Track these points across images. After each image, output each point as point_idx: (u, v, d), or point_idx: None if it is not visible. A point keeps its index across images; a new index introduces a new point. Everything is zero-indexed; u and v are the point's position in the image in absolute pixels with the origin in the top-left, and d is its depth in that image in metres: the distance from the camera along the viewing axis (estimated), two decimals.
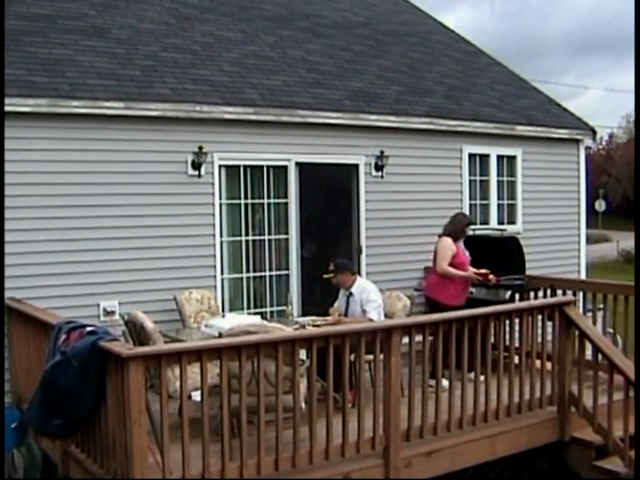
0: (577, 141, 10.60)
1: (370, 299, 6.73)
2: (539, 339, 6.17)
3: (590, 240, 20.88)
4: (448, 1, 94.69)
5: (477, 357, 5.58)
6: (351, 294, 6.85)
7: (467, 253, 7.62)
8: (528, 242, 9.09)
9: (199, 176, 7.59)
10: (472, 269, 7.43)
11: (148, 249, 7.32)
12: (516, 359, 5.91)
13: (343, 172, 8.68)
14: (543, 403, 6.00)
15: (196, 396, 5.22)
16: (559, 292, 7.78)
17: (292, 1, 11.56)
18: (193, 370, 4.70)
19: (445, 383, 5.57)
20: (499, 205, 9.99)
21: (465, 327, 5.45)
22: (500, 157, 9.94)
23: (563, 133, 10.41)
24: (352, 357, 5.28)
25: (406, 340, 5.18)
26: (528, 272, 8.45)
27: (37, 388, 4.75)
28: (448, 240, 7.35)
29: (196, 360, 4.43)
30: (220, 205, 7.78)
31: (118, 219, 7.18)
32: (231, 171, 7.90)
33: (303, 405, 5.06)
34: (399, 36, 11.58)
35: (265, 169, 8.08)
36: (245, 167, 7.96)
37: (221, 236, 7.81)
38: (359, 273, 8.22)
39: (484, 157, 9.78)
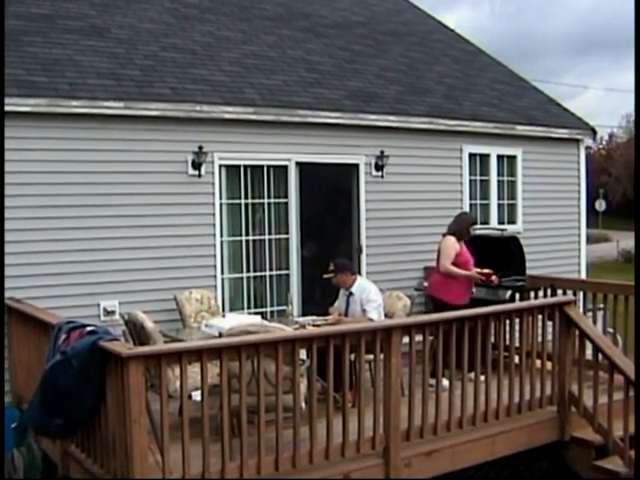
0: (577, 141, 10.60)
1: (370, 299, 6.73)
2: (539, 339, 6.17)
3: (590, 240, 20.87)
4: (448, 1, 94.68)
5: (477, 357, 5.57)
6: (351, 294, 6.85)
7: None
8: (528, 242, 9.09)
9: (199, 176, 7.58)
10: (475, 269, 7.42)
11: (148, 249, 7.32)
12: (516, 359, 5.90)
13: (343, 172, 8.68)
14: (543, 403, 5.99)
15: (196, 396, 5.22)
16: (559, 292, 7.78)
17: (292, 1, 11.56)
18: (193, 370, 4.70)
19: (445, 383, 5.57)
20: (499, 205, 9.99)
21: (465, 327, 5.45)
22: (500, 157, 9.94)
23: (563, 133, 10.41)
24: (352, 357, 5.28)
25: (406, 340, 5.17)
26: (528, 272, 8.46)
27: (37, 388, 4.75)
28: (452, 239, 7.35)
29: (196, 360, 4.43)
30: (220, 205, 7.78)
31: (118, 219, 7.18)
32: (231, 171, 7.90)
33: (303, 405, 5.06)
34: (399, 36, 11.58)
35: (265, 169, 8.08)
36: (245, 167, 7.96)
37: (221, 236, 7.81)
38: (359, 273, 8.23)
39: (484, 157, 9.78)
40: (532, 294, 8.13)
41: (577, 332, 5.96)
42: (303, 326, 6.45)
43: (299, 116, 8.13)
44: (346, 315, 6.83)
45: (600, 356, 5.87)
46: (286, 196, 8.20)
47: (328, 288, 7.17)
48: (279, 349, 4.63)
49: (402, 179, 8.91)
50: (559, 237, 10.33)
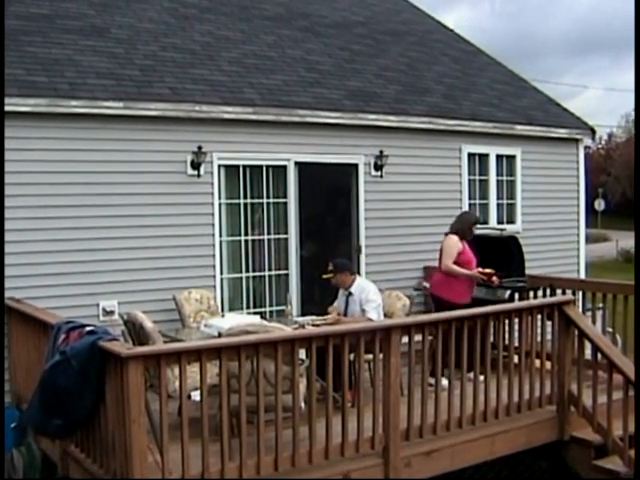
0: (576, 140, 10.60)
1: (369, 299, 6.73)
2: (538, 338, 6.16)
3: (589, 239, 20.87)
4: (447, 0, 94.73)
5: (476, 356, 5.58)
6: (350, 294, 6.85)
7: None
8: (527, 241, 9.10)
9: (198, 176, 7.59)
10: (477, 268, 7.41)
11: (147, 249, 7.32)
12: (515, 358, 5.91)
13: (342, 172, 8.68)
14: (542, 402, 6.00)
15: (195, 396, 5.22)
16: (558, 291, 7.78)
17: (291, 1, 11.55)
18: (192, 370, 4.70)
19: (444, 382, 5.57)
20: (498, 205, 9.99)
21: (464, 326, 5.45)
22: (499, 157, 9.94)
23: (562, 132, 10.41)
24: (351, 357, 5.28)
25: (405, 340, 5.18)
26: (528, 271, 8.46)
27: (36, 388, 4.75)
28: (454, 238, 7.34)
29: (195, 360, 4.42)
30: (219, 205, 7.79)
31: (117, 219, 7.18)
32: (230, 171, 7.90)
33: (302, 405, 5.07)
34: (398, 35, 11.58)
35: (264, 169, 8.08)
36: (244, 167, 7.96)
37: (220, 236, 7.81)
38: (358, 273, 8.23)
39: (483, 156, 9.78)
40: (531, 294, 8.14)
41: (576, 332, 5.96)
42: (302, 326, 6.45)
43: (298, 116, 8.13)
44: (345, 315, 6.83)
45: (599, 356, 5.87)
46: (285, 196, 8.21)
47: (327, 288, 7.17)
48: (278, 349, 4.63)
49: (401, 179, 8.91)
50: (558, 237, 10.33)
